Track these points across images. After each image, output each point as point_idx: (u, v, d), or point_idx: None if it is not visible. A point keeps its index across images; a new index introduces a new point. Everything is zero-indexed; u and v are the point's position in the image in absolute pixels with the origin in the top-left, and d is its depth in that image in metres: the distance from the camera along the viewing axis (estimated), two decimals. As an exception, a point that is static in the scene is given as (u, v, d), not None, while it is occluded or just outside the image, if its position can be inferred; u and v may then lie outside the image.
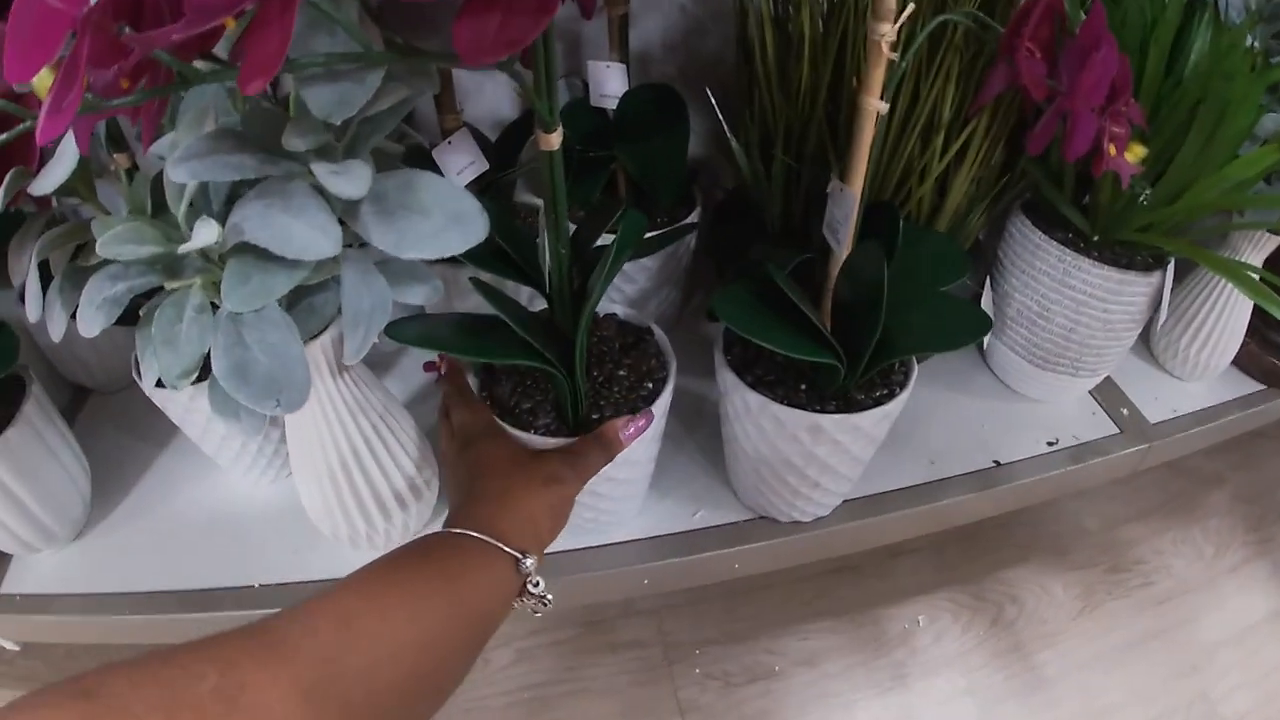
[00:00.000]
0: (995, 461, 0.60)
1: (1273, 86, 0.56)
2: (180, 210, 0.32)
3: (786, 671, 0.72)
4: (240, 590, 0.54)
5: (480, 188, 0.50)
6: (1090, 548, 0.83)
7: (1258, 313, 0.69)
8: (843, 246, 0.42)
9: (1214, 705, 0.72)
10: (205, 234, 0.30)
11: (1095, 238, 0.58)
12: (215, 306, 0.35)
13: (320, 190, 0.31)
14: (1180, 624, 0.78)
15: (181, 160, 0.29)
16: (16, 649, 0.65)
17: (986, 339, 0.62)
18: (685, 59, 0.65)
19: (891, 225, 0.43)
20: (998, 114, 0.51)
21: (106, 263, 0.35)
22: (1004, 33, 0.42)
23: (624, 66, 0.52)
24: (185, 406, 0.52)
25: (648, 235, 0.49)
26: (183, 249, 0.31)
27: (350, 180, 0.29)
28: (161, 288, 0.35)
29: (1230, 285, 0.65)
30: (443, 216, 0.32)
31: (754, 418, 0.45)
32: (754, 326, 0.39)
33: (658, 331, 0.48)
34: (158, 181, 0.36)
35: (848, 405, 0.44)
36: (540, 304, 0.43)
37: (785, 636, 0.75)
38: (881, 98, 0.38)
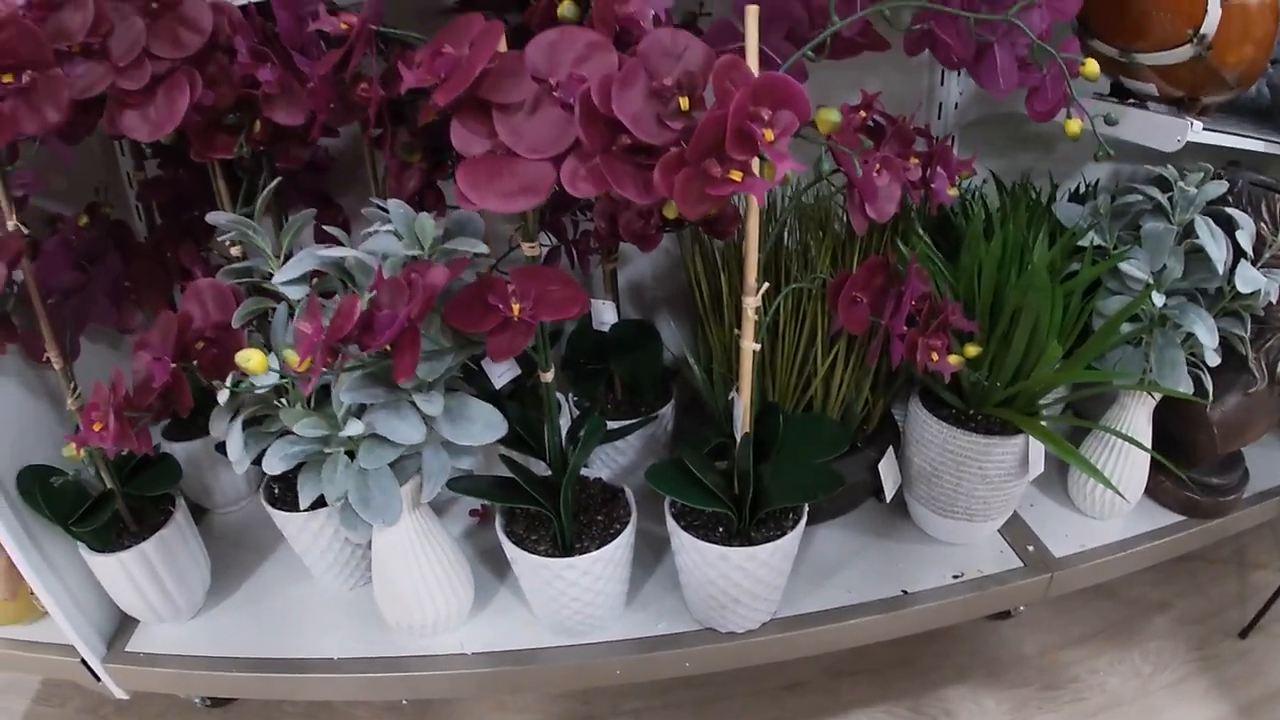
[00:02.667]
0: (904, 590, 0.83)
1: (1114, 272, 0.81)
2: (340, 413, 0.62)
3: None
4: (320, 660, 0.81)
5: (514, 387, 0.80)
6: (1026, 669, 1.01)
7: (1167, 451, 0.89)
8: (738, 433, 0.69)
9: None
10: (355, 428, 0.60)
11: (971, 412, 0.83)
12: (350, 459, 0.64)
13: (416, 406, 0.61)
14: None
15: (348, 390, 0.59)
16: (126, 698, 0.91)
17: (890, 492, 0.86)
18: (670, 287, 0.98)
19: (773, 420, 0.70)
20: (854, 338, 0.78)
21: (286, 432, 0.66)
22: (832, 287, 0.70)
23: (614, 304, 0.83)
24: (300, 526, 0.81)
25: (630, 423, 0.79)
26: (342, 433, 0.61)
27: (432, 404, 0.59)
28: (320, 451, 0.65)
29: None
30: (482, 422, 0.62)
31: (687, 551, 0.71)
32: (670, 487, 0.66)
33: (628, 491, 0.77)
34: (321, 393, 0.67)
35: (749, 542, 0.70)
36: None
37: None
38: (756, 340, 0.67)
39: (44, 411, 0.84)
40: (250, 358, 0.54)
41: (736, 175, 0.51)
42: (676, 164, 0.51)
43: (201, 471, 0.95)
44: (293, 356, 0.55)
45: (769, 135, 0.50)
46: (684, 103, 0.52)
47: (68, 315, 0.80)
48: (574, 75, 0.54)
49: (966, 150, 1.01)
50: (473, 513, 0.92)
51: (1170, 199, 0.80)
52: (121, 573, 0.81)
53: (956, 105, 0.98)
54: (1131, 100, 0.87)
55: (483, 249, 0.59)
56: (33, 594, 0.84)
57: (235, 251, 0.73)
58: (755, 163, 0.51)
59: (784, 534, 0.70)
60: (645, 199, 0.52)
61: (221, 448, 0.74)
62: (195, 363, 0.68)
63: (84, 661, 0.87)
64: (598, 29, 0.59)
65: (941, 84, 0.96)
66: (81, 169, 0.89)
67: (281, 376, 0.57)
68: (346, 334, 0.52)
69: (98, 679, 0.88)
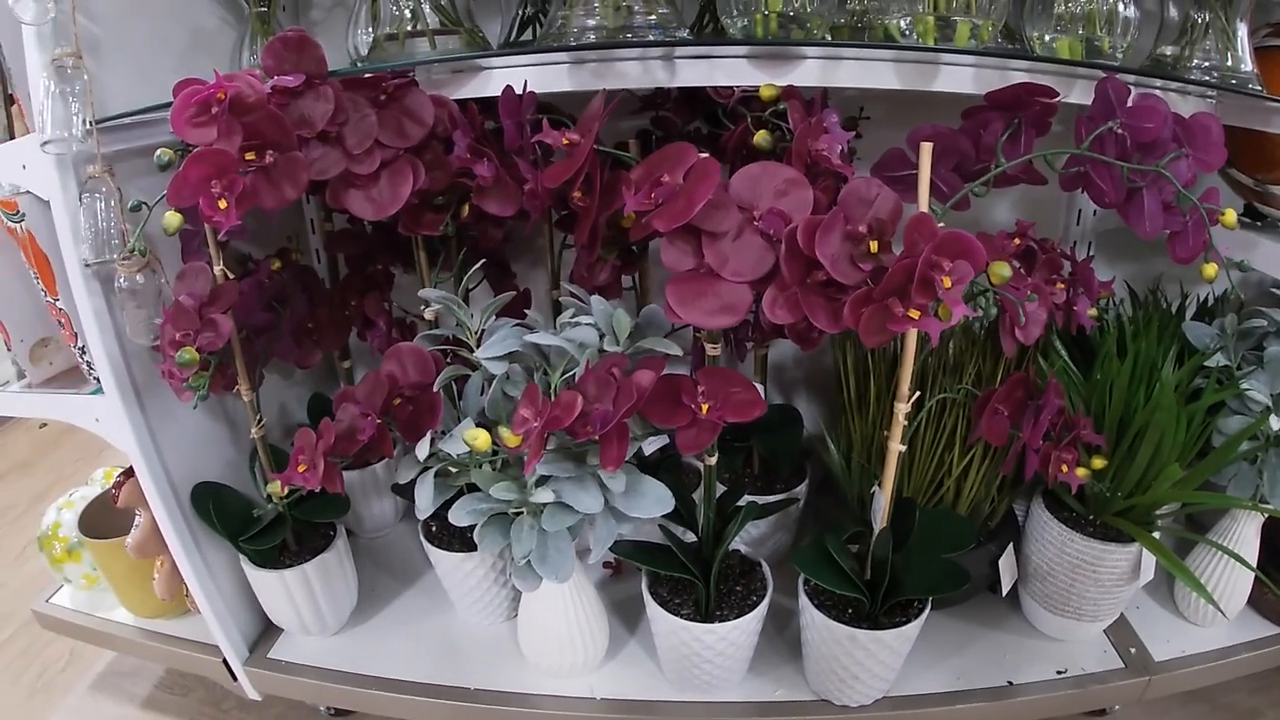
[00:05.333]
0: (1009, 681, 0.93)
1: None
2: (532, 480, 0.75)
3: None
4: (456, 688, 0.94)
5: (660, 456, 0.92)
6: (1119, 773, 1.09)
7: (1273, 563, 0.98)
8: (878, 525, 0.80)
9: None
10: (544, 495, 0.73)
11: (1090, 517, 0.93)
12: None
13: (599, 480, 0.73)
14: None
15: (544, 463, 0.72)
16: (259, 699, 1.05)
17: (1006, 587, 0.96)
18: (809, 369, 1.10)
19: (909, 514, 0.81)
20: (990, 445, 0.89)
21: (473, 487, 0.79)
22: (978, 401, 0.81)
23: (763, 386, 0.95)
24: (455, 565, 0.95)
25: (777, 500, 0.90)
26: (533, 499, 0.74)
27: (618, 482, 0.72)
28: (504, 510, 0.78)
29: (1228, 545, 0.96)
30: (653, 497, 0.74)
31: (817, 627, 0.82)
32: (813, 570, 0.78)
33: (764, 566, 0.88)
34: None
35: (875, 625, 0.81)
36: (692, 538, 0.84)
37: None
38: (902, 442, 0.78)
39: (220, 433, 1.00)
40: (478, 437, 0.67)
41: (915, 314, 0.62)
42: (864, 300, 0.63)
43: (356, 499, 1.10)
44: (510, 437, 0.68)
45: (947, 283, 0.62)
46: (873, 246, 0.64)
47: (257, 351, 0.95)
48: (775, 210, 0.66)
49: (1103, 254, 1.11)
50: (606, 565, 1.05)
51: (1294, 323, 0.90)
52: (280, 588, 0.95)
53: (1095, 213, 1.08)
54: (1264, 222, 0.96)
55: (676, 351, 0.72)
56: (188, 595, 1.00)
57: (428, 315, 0.86)
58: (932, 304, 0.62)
59: (909, 621, 0.81)
60: (834, 329, 0.64)
61: (400, 489, 0.87)
62: (393, 418, 0.81)
63: (225, 662, 1.02)
64: (794, 162, 0.71)
65: (1082, 191, 1.06)
66: (275, 214, 1.05)
67: (491, 451, 0.69)
68: (565, 425, 0.65)
69: (235, 679, 1.03)
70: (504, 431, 0.69)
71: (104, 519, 1.07)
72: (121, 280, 0.80)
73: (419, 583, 1.07)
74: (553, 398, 0.71)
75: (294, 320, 0.98)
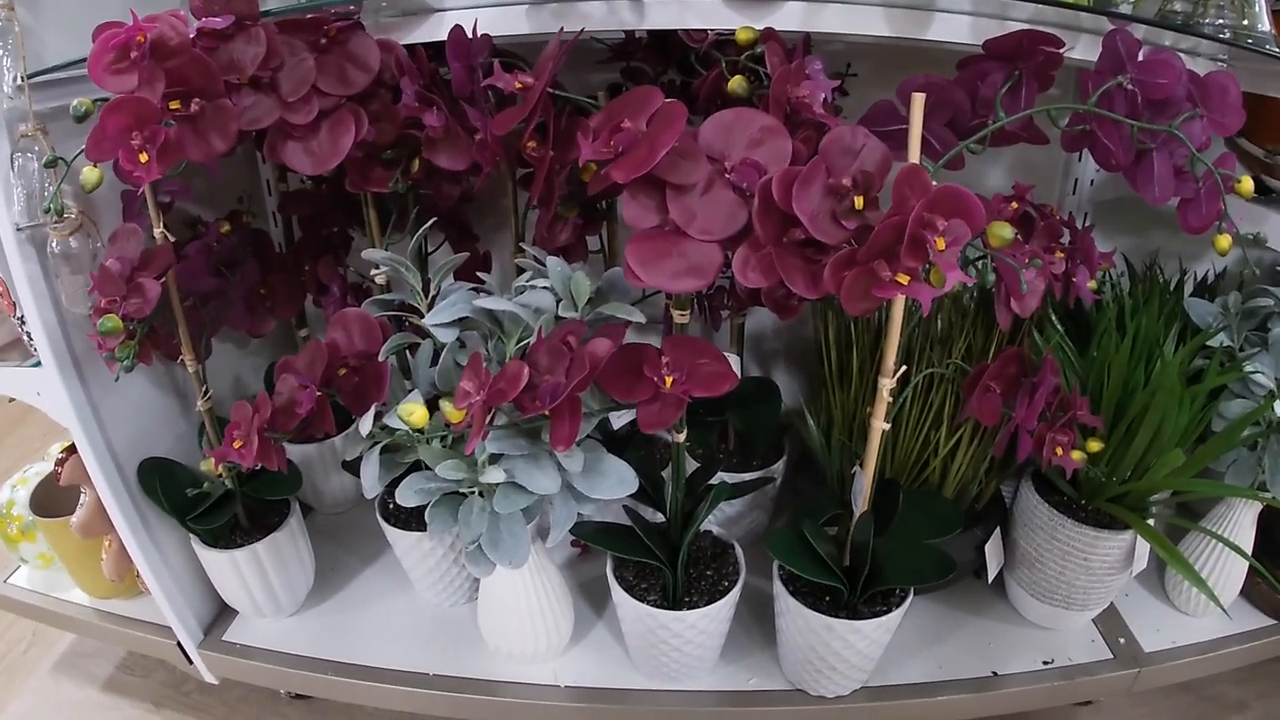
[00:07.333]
0: (993, 672, 0.85)
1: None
2: (481, 458, 0.66)
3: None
4: (415, 674, 0.86)
5: (630, 429, 0.83)
6: (1098, 764, 1.02)
7: (1268, 553, 0.90)
8: (858, 507, 0.72)
9: None
10: (495, 475, 0.65)
11: (1082, 502, 0.84)
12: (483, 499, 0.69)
13: (555, 459, 0.65)
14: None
15: (493, 440, 0.64)
16: (215, 682, 0.97)
17: (993, 573, 0.88)
18: (789, 338, 1.01)
19: (892, 497, 0.73)
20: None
21: (420, 464, 0.70)
22: (968, 377, 0.73)
23: (739, 357, 0.86)
24: (412, 545, 0.86)
25: (750, 479, 0.82)
26: (482, 479, 0.65)
27: (574, 461, 0.63)
28: (455, 490, 0.69)
29: (1224, 532, 0.88)
30: (615, 477, 0.66)
31: (791, 615, 0.74)
32: (787, 556, 0.70)
33: (738, 548, 0.80)
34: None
35: (854, 614, 0.73)
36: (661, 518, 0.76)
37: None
38: (886, 420, 0.69)
39: (168, 406, 0.91)
40: (413, 412, 0.58)
41: (904, 279, 0.53)
42: (847, 262, 0.54)
43: (313, 474, 1.01)
44: (453, 412, 0.59)
45: (940, 244, 0.53)
46: (859, 201, 0.55)
47: (204, 319, 0.85)
48: (748, 160, 0.57)
49: (1100, 226, 1.02)
50: (575, 543, 0.96)
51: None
52: (231, 568, 0.87)
53: (1092, 182, 0.99)
54: (1271, 196, 0.88)
55: (639, 318, 0.63)
56: (139, 575, 0.91)
57: (380, 279, 0.77)
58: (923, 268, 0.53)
59: (890, 610, 0.73)
60: (813, 294, 0.56)
61: (349, 465, 0.79)
62: (337, 390, 0.73)
63: (179, 645, 0.94)
64: (772, 110, 0.62)
65: (1080, 159, 0.97)
66: (223, 172, 0.95)
67: (435, 427, 0.61)
68: (510, 398, 0.56)
69: (190, 662, 0.95)
70: (446, 406, 0.60)
71: (56, 497, 0.99)
72: (54, 245, 0.73)
73: (379, 562, 0.99)
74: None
75: (244, 286, 0.89)
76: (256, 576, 0.88)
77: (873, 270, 0.54)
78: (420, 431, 0.63)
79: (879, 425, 0.69)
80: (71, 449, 0.87)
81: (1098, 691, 0.90)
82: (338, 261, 0.89)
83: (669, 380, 0.59)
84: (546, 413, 0.57)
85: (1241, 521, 0.89)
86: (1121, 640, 0.90)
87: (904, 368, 0.67)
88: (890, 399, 0.68)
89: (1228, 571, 0.91)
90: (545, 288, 0.65)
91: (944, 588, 0.94)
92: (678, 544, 0.72)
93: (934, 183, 0.54)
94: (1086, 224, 1.01)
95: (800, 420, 0.88)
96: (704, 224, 0.57)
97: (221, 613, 0.96)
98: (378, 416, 0.69)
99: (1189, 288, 0.97)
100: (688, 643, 0.76)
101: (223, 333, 0.91)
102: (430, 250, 0.76)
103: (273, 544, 0.87)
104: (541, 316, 0.64)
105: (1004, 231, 0.56)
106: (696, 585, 0.77)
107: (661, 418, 0.59)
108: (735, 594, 0.75)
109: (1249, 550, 0.90)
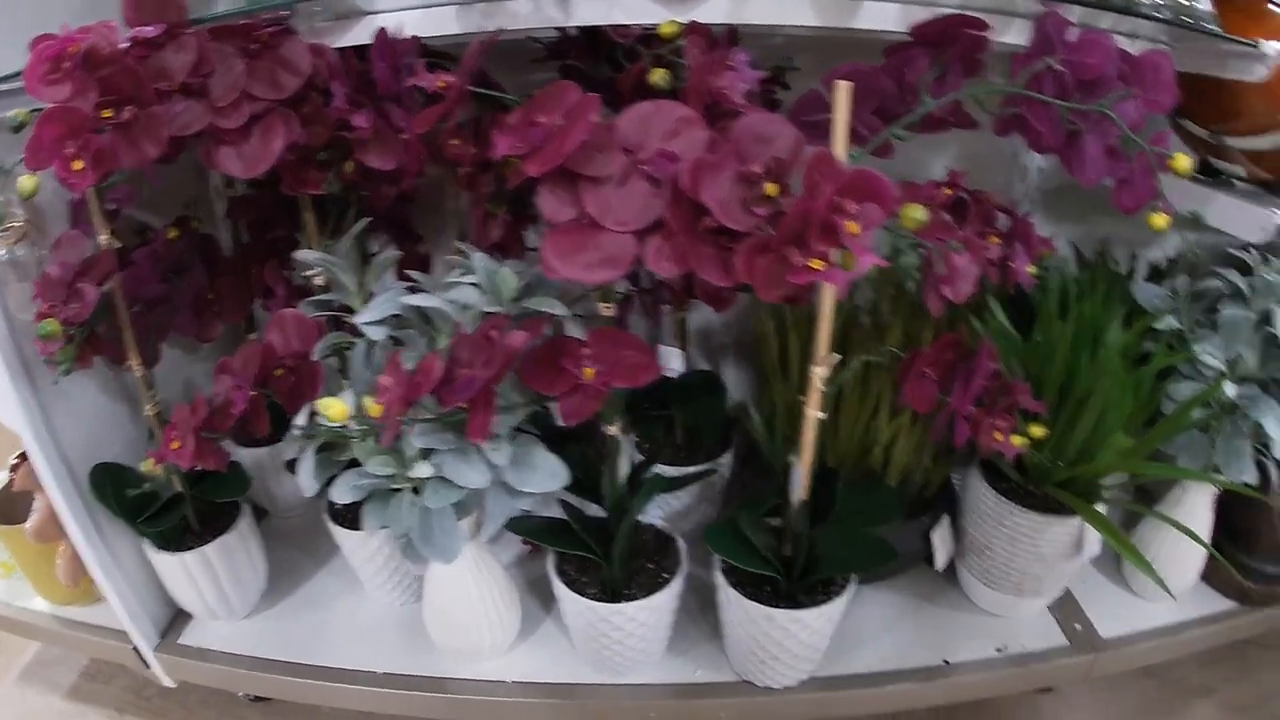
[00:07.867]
0: (945, 660, 0.85)
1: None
2: (410, 454, 0.66)
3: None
4: (368, 673, 0.86)
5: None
6: (1059, 749, 1.01)
7: (1227, 535, 0.90)
8: (795, 498, 0.71)
9: None
10: (423, 470, 0.64)
11: (1030, 488, 0.84)
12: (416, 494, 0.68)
13: (483, 453, 0.64)
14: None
15: (419, 434, 0.63)
16: (172, 685, 0.96)
17: (941, 561, 0.88)
18: (737, 333, 1.01)
19: (830, 486, 0.72)
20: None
21: (355, 463, 0.70)
22: (902, 363, 0.72)
23: (682, 352, 0.85)
24: (358, 543, 0.86)
25: (689, 472, 0.81)
26: (411, 474, 0.65)
27: (499, 454, 0.63)
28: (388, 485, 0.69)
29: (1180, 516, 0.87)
30: (546, 470, 0.65)
31: (733, 606, 0.74)
32: (724, 547, 0.69)
33: (680, 541, 0.80)
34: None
35: (795, 604, 0.72)
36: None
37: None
38: (821, 409, 0.69)
39: (119, 411, 0.90)
40: (331, 406, 0.58)
41: (817, 264, 0.53)
42: (759, 250, 0.54)
43: (266, 476, 1.00)
44: (374, 407, 0.59)
45: (853, 228, 0.52)
46: (771, 189, 0.54)
47: (151, 324, 0.85)
48: (663, 151, 0.57)
49: (1048, 215, 1.01)
50: (525, 540, 0.95)
51: (1250, 284, 0.80)
52: (182, 571, 0.87)
53: (1040, 169, 0.99)
54: (1218, 178, 0.87)
55: (561, 310, 0.63)
56: (93, 582, 0.91)
57: (319, 281, 0.77)
58: (837, 253, 0.53)
59: (830, 599, 0.73)
60: (725, 281, 0.55)
61: (290, 465, 0.78)
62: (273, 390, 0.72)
63: (136, 649, 0.93)
64: (691, 101, 0.62)
65: (1027, 148, 0.96)
66: (171, 179, 0.94)
67: (360, 422, 0.60)
68: (425, 391, 0.56)
69: (147, 666, 0.94)
70: (367, 401, 0.60)
71: (15, 504, 0.98)
72: (0, 252, 0.73)
73: (333, 564, 0.98)
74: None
75: (191, 291, 0.88)
76: (208, 579, 0.87)
77: (785, 257, 0.53)
78: (343, 426, 0.62)
79: (812, 415, 0.68)
80: (24, 455, 0.87)
81: (1054, 678, 0.89)
82: (283, 265, 0.88)
83: (589, 371, 0.59)
84: (465, 405, 0.56)
85: (1196, 506, 0.89)
86: (1078, 626, 0.90)
87: (838, 357, 0.67)
88: (824, 388, 0.67)
89: (1186, 556, 0.90)
90: (472, 283, 0.64)
91: (894, 576, 0.93)
92: (615, 536, 0.72)
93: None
94: (1027, 210, 1.01)
95: (747, 415, 0.88)
96: (619, 215, 0.56)
97: (177, 617, 0.95)
98: (311, 415, 0.69)
99: (1141, 275, 0.96)
100: (630, 635, 0.75)
101: (174, 338, 0.91)
102: (375, 252, 0.76)
103: (223, 546, 0.86)
104: (468, 312, 0.64)
105: (915, 213, 0.55)
106: (638, 579, 0.76)
107: (581, 409, 0.58)
108: (675, 586, 0.75)
109: (1206, 533, 0.89)
